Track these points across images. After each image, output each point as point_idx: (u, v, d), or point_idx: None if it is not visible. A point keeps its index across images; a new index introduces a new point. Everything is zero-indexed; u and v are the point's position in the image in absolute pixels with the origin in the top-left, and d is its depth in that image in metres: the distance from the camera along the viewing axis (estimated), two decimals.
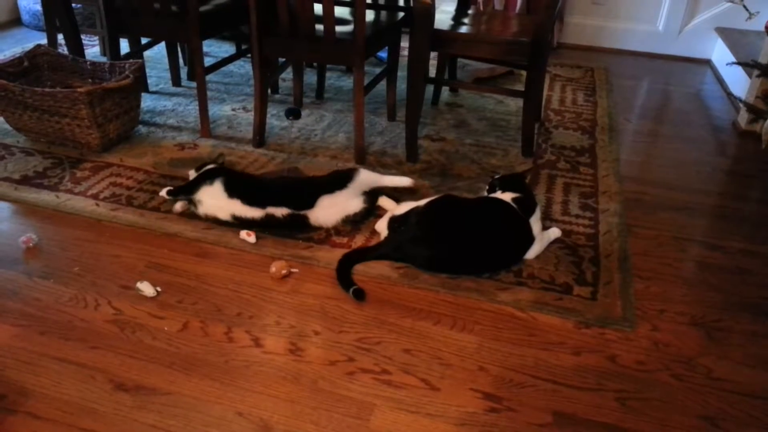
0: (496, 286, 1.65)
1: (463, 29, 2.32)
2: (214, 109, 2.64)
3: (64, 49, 2.73)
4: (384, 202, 1.96)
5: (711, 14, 3.61)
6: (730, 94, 3.09)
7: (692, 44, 3.70)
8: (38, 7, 3.49)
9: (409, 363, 1.40)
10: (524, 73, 2.38)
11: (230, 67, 3.12)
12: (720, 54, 3.50)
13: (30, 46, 2.54)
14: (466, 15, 2.52)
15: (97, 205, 1.94)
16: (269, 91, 2.72)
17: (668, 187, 2.23)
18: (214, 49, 3.38)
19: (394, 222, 1.78)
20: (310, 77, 2.98)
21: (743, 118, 2.73)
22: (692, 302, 1.64)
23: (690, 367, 1.43)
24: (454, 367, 1.40)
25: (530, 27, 2.32)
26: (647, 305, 1.62)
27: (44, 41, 2.93)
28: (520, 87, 2.60)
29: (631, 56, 3.76)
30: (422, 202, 1.80)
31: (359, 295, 1.59)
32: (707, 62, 3.69)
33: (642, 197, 2.15)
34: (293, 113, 2.59)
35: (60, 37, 2.84)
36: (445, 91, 2.95)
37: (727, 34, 3.46)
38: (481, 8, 3.63)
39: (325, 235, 1.83)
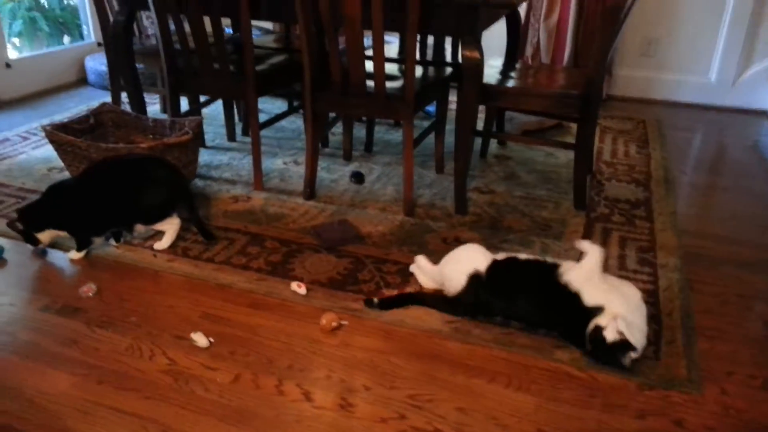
0: (552, 343, 1.59)
1: (512, 83, 2.34)
2: (266, 163, 2.71)
3: (127, 107, 2.87)
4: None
5: (767, 64, 3.55)
6: None
7: (748, 95, 3.63)
8: (104, 68, 3.70)
9: (463, 422, 1.35)
10: (573, 124, 2.37)
11: (282, 122, 3.21)
12: None
13: (95, 104, 2.68)
14: (514, 69, 2.55)
15: (155, 256, 1.99)
16: (320, 144, 2.78)
17: (729, 242, 2.15)
18: (268, 105, 3.50)
19: (477, 279, 1.67)
20: (359, 131, 3.04)
21: None
22: (763, 364, 1.55)
23: None
24: (511, 428, 1.34)
25: (579, 79, 2.32)
26: (714, 366, 1.54)
27: (109, 99, 3.08)
28: (570, 139, 2.58)
29: (683, 108, 3.70)
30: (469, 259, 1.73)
31: (384, 305, 1.73)
32: (764, 113, 3.60)
33: (702, 252, 2.07)
34: (357, 177, 2.59)
35: (124, 95, 2.99)
36: (493, 143, 2.96)
37: None
38: (529, 62, 3.67)
39: (374, 288, 1.82)
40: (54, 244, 2.02)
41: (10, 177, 2.55)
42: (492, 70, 2.48)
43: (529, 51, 3.69)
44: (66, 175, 2.50)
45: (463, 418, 1.36)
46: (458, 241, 2.09)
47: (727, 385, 1.48)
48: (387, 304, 1.74)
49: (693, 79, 3.71)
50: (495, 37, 2.94)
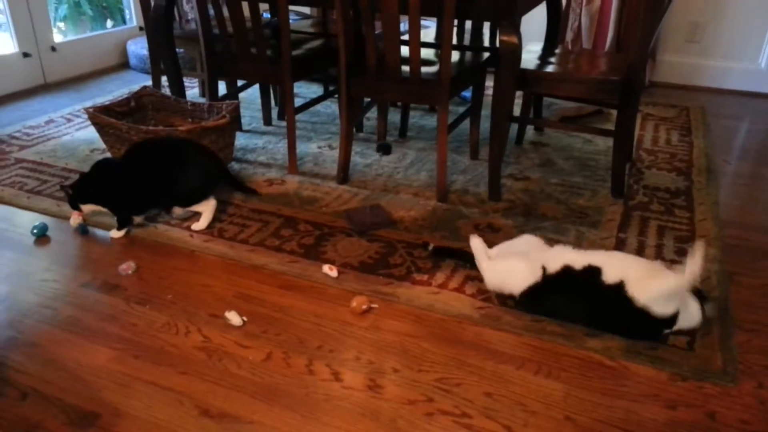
0: (584, 331, 1.58)
1: (551, 68, 2.30)
2: (301, 147, 2.73)
3: (167, 91, 2.92)
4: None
5: None
6: None
7: None
8: (145, 52, 3.78)
9: (490, 407, 1.35)
10: (614, 111, 2.32)
11: (317, 107, 3.23)
12: None
13: (136, 87, 2.74)
14: (553, 54, 2.50)
15: (192, 236, 2.03)
16: (354, 129, 2.79)
17: None
18: (303, 90, 3.53)
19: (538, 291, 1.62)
20: (394, 116, 3.03)
21: None
22: None
23: None
24: (539, 414, 1.34)
25: (621, 65, 2.27)
26: (751, 359, 1.50)
27: (149, 83, 3.15)
28: (610, 126, 2.53)
29: (730, 95, 3.58)
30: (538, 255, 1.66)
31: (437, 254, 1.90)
32: None
33: (744, 243, 2.01)
34: (384, 148, 2.63)
35: (164, 79, 3.05)
36: (530, 129, 2.92)
37: None
38: (569, 47, 3.60)
39: (405, 272, 1.83)
40: (95, 224, 2.08)
41: (54, 157, 2.64)
42: (530, 55, 2.44)
43: (569, 36, 3.61)
44: (107, 156, 2.57)
45: (491, 403, 1.37)
46: (491, 228, 2.08)
47: (764, 378, 1.44)
48: (440, 252, 1.91)
49: (741, 66, 3.58)
50: (535, 22, 2.89)
